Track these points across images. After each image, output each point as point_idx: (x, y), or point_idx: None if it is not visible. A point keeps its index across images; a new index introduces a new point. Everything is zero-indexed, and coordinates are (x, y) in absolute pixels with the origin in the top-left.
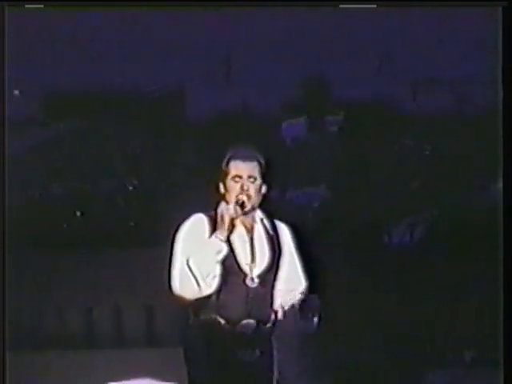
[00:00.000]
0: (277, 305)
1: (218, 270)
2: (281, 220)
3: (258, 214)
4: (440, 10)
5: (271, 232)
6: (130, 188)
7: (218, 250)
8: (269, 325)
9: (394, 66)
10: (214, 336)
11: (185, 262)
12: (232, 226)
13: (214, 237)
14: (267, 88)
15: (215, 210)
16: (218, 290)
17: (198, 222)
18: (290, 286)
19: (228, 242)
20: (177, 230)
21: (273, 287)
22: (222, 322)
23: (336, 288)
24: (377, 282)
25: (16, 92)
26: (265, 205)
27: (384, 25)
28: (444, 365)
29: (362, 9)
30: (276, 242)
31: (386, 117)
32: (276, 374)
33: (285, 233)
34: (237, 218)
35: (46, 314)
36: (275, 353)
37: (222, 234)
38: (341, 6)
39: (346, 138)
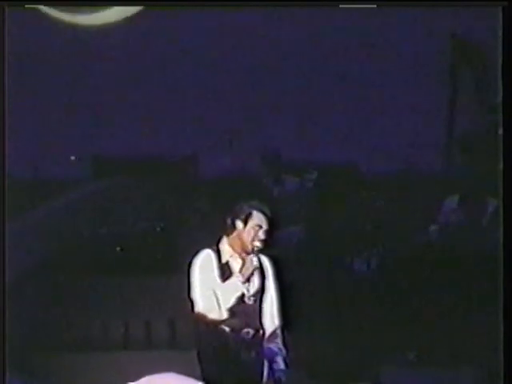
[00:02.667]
0: (266, 322)
1: (232, 302)
2: (267, 253)
3: (251, 256)
4: (440, 10)
5: (256, 264)
6: (158, 229)
7: (237, 290)
8: (261, 332)
9: (355, 139)
10: (221, 341)
11: (212, 293)
12: (251, 275)
13: (237, 279)
14: (261, 154)
15: (217, 244)
16: None
17: (207, 256)
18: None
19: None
20: (191, 262)
21: (261, 302)
22: (228, 330)
23: (310, 303)
24: (341, 297)
25: (72, 158)
26: None
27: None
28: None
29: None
30: (260, 271)
31: (350, 176)
32: (266, 371)
33: (266, 265)
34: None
35: (91, 323)
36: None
37: (243, 278)
38: (341, 6)
39: (318, 191)
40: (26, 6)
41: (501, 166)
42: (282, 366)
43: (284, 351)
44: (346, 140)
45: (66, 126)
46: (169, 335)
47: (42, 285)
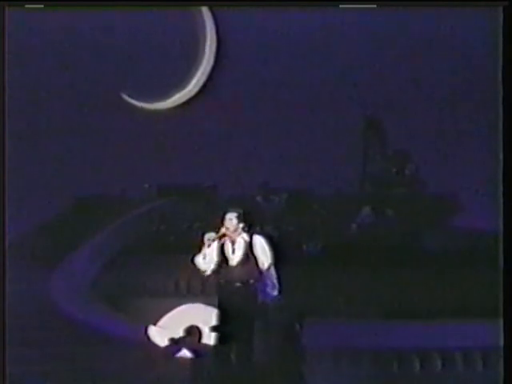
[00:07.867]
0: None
1: (214, 265)
2: (260, 234)
3: (243, 236)
4: (439, 10)
5: (247, 240)
6: (195, 227)
7: (215, 256)
8: (251, 282)
9: (309, 174)
10: (223, 289)
11: (200, 258)
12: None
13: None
14: (257, 184)
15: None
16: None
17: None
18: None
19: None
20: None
21: (247, 268)
22: (223, 282)
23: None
24: (298, 268)
25: (146, 185)
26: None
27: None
28: None
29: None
30: (248, 247)
31: (306, 195)
32: (261, 297)
33: (255, 241)
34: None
35: (155, 281)
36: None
37: (207, 246)
38: (341, 6)
39: (287, 204)
40: (26, 6)
41: (400, 189)
42: (273, 293)
43: (276, 284)
44: (304, 174)
45: (141, 163)
46: (203, 287)
47: (129, 259)
